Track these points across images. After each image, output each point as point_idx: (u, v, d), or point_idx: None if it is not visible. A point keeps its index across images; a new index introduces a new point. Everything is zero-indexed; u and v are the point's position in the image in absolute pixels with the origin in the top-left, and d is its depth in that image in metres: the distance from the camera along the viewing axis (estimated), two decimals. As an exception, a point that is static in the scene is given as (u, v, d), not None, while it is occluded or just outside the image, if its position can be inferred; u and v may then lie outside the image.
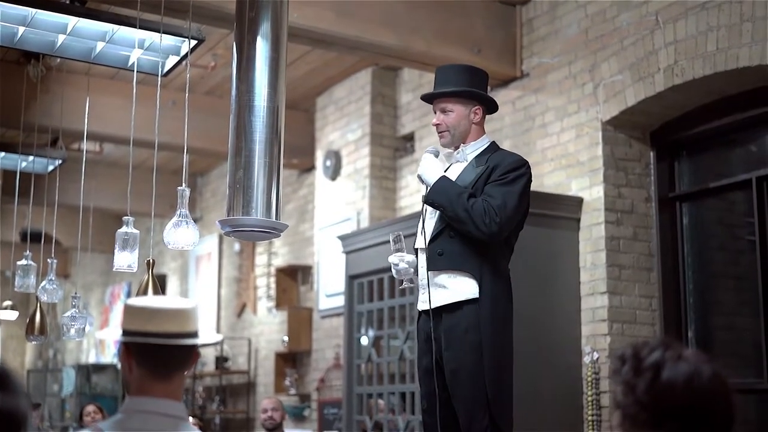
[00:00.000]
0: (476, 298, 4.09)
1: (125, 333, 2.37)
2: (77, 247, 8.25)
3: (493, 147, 4.36)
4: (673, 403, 1.70)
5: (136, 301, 2.42)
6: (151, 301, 2.43)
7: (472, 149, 4.33)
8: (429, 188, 4.19)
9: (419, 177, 4.27)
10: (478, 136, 4.36)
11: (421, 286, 4.25)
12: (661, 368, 1.73)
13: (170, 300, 2.46)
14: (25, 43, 5.41)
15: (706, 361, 1.75)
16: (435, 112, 4.39)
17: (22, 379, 1.37)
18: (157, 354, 2.35)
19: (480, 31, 7.06)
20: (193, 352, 2.42)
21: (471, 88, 4.32)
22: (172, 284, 12.77)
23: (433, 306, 4.15)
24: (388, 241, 4.37)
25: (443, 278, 4.16)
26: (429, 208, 4.29)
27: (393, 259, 4.29)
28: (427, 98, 4.45)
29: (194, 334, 2.40)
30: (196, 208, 11.96)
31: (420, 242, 4.29)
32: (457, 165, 4.36)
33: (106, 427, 2.34)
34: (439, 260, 4.16)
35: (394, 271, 4.32)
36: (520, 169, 4.21)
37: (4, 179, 10.27)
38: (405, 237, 4.37)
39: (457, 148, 4.36)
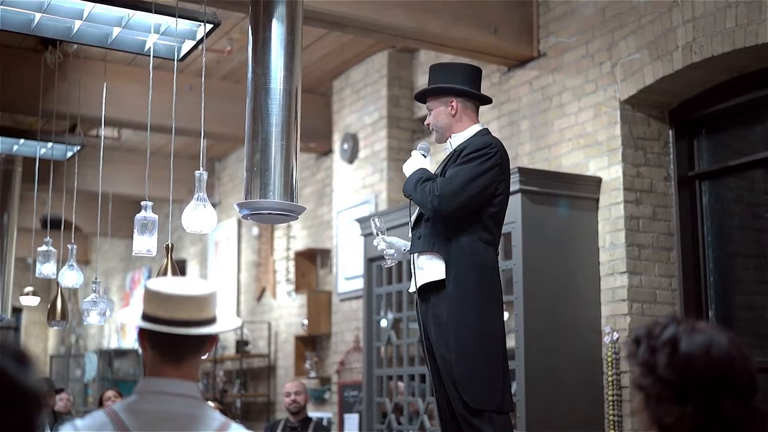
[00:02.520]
0: (441, 279, 4.23)
1: (142, 316, 2.37)
2: (97, 233, 8.28)
3: (479, 134, 4.47)
4: (695, 374, 1.69)
5: (154, 284, 2.40)
6: (168, 285, 2.41)
7: (458, 140, 4.48)
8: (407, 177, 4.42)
9: (404, 171, 4.48)
10: (465, 127, 4.50)
11: (409, 271, 4.46)
12: (678, 342, 1.72)
13: (187, 285, 2.42)
14: (42, 30, 5.42)
15: (720, 331, 1.74)
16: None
17: (29, 378, 1.37)
18: (168, 341, 2.35)
19: (496, 12, 7.03)
20: (207, 338, 2.40)
21: (441, 85, 4.50)
22: (192, 269, 12.82)
23: (417, 287, 4.32)
24: (374, 232, 4.60)
25: (422, 260, 4.34)
26: None
27: (375, 241, 4.57)
28: (419, 101, 4.77)
29: (208, 321, 2.38)
30: (215, 192, 11.99)
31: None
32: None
33: (119, 408, 2.34)
34: (417, 243, 4.36)
35: (389, 258, 4.59)
36: (482, 150, 4.31)
37: (24, 166, 10.31)
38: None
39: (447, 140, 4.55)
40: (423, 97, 4.59)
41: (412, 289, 4.37)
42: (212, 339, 2.44)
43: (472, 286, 4.20)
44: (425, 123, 4.64)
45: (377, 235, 4.52)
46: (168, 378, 2.35)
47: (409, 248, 4.48)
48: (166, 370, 2.35)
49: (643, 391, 1.74)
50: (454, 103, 4.47)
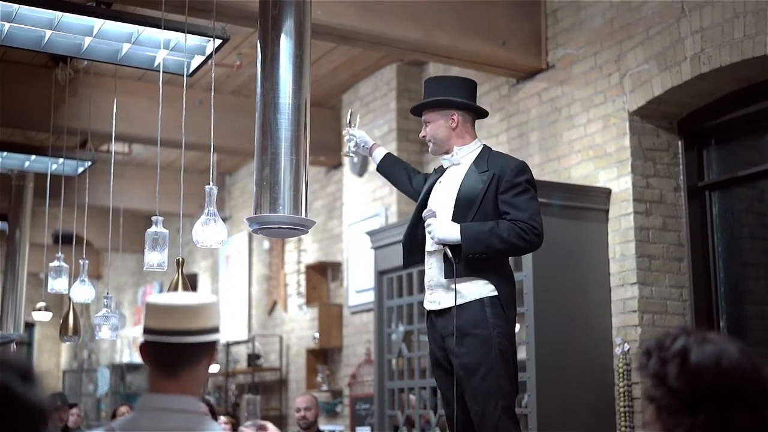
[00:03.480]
0: (482, 298, 4.29)
1: (143, 331, 2.38)
2: (108, 248, 8.30)
3: (487, 150, 4.57)
4: (706, 385, 1.69)
5: (152, 298, 2.42)
6: (163, 297, 2.42)
7: (466, 152, 4.54)
8: (462, 245, 4.28)
9: (440, 240, 4.34)
10: (468, 141, 4.57)
11: (429, 287, 4.47)
12: (688, 353, 1.72)
13: (184, 297, 2.42)
14: (53, 47, 5.46)
15: (730, 341, 1.74)
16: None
17: (35, 394, 1.37)
18: (161, 352, 2.34)
19: (504, 24, 7.04)
20: (203, 349, 2.37)
21: (443, 98, 4.54)
22: (203, 283, 12.84)
23: (444, 306, 4.36)
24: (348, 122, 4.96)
25: (463, 283, 4.32)
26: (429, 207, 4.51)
27: (348, 129, 4.87)
28: (414, 113, 4.76)
29: (201, 331, 2.35)
30: (225, 207, 12.02)
31: (427, 244, 4.48)
32: (453, 168, 4.57)
33: (118, 426, 2.34)
34: (458, 267, 4.30)
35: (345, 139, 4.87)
36: (525, 173, 4.43)
37: (36, 182, 10.36)
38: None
39: (446, 153, 4.57)
40: (419, 109, 4.64)
41: (434, 307, 4.41)
42: (210, 350, 2.41)
43: (513, 306, 4.37)
44: (420, 135, 4.67)
45: (350, 126, 4.89)
46: (167, 394, 2.33)
47: (375, 157, 4.88)
48: (164, 385, 2.34)
49: (654, 402, 1.74)
50: (455, 117, 4.52)
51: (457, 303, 4.28)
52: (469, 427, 4.33)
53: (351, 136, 4.82)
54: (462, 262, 4.27)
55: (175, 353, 2.33)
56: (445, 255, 4.33)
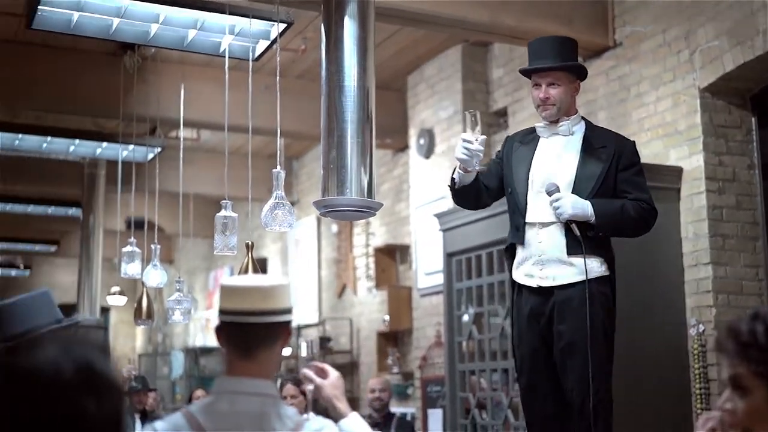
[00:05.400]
0: (600, 276, 4.19)
1: (218, 313, 2.42)
2: (179, 233, 8.40)
3: (589, 122, 4.46)
4: None
5: (226, 280, 2.46)
6: (236, 279, 2.46)
7: (574, 124, 4.37)
8: (595, 222, 4.17)
9: (571, 216, 4.17)
10: (575, 111, 4.42)
11: (540, 262, 4.25)
12: None
13: (256, 278, 2.47)
14: (120, 35, 5.52)
15: None
16: (536, 86, 4.37)
17: (114, 371, 1.42)
18: (236, 332, 2.38)
19: (570, 2, 6.95)
20: (277, 330, 2.41)
21: (576, 62, 4.41)
22: (273, 266, 12.94)
23: (560, 283, 4.19)
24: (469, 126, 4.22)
25: (572, 259, 4.19)
26: (533, 183, 4.30)
27: (467, 136, 4.14)
28: (528, 72, 4.42)
29: (275, 312, 2.39)
30: (293, 191, 12.09)
31: (535, 216, 4.28)
32: (555, 139, 4.36)
33: (196, 410, 2.38)
34: (582, 243, 4.15)
35: (464, 151, 4.14)
36: (637, 153, 4.40)
37: (107, 169, 10.54)
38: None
39: (556, 122, 4.35)
40: (552, 69, 4.30)
41: (544, 284, 4.22)
42: (285, 332, 2.44)
43: (614, 288, 4.29)
44: (541, 96, 4.31)
45: (472, 130, 4.15)
46: (242, 377, 2.37)
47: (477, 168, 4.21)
48: (240, 366, 2.37)
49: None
50: (578, 85, 4.42)
51: (578, 279, 4.15)
52: (561, 416, 4.24)
53: (477, 154, 4.14)
54: (586, 238, 4.14)
55: (251, 333, 2.37)
56: (569, 230, 4.17)
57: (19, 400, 1.32)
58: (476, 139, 4.13)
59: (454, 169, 4.32)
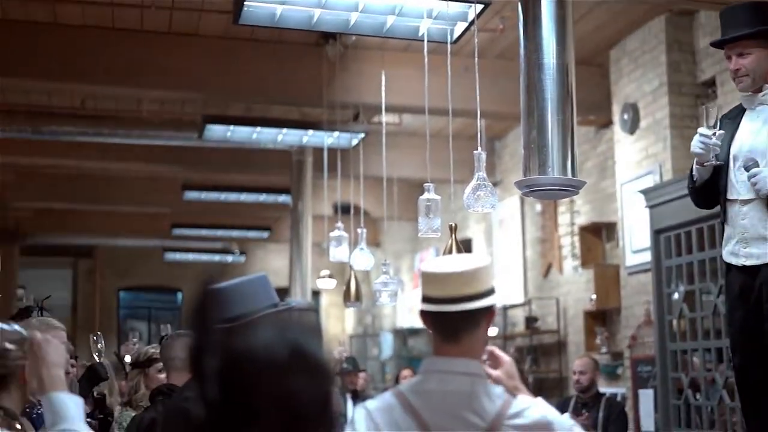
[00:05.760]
0: None
1: (421, 298, 2.45)
2: (384, 216, 8.56)
3: None
4: None
5: (425, 265, 2.48)
6: (436, 265, 2.47)
7: None
8: None
9: None
10: None
11: (743, 240, 4.10)
12: None
13: (455, 262, 2.46)
14: (322, 25, 5.66)
15: None
16: (728, 58, 4.21)
17: (324, 354, 1.48)
18: (441, 319, 2.40)
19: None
20: (480, 313, 2.41)
21: (765, 27, 4.13)
22: (478, 247, 12.98)
23: (761, 262, 4.02)
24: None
25: None
26: (735, 158, 4.13)
27: (705, 131, 4.05)
28: (718, 44, 4.27)
29: (475, 296, 2.39)
30: (496, 171, 12.07)
31: (736, 193, 4.12)
32: (762, 108, 4.17)
33: (406, 390, 2.42)
34: None
35: (700, 145, 4.07)
36: None
37: (314, 156, 10.86)
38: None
39: (757, 91, 4.16)
40: (739, 38, 4.14)
41: (752, 262, 4.06)
42: (488, 314, 2.44)
43: None
44: (732, 68, 4.17)
45: (708, 124, 4.08)
46: (449, 357, 2.39)
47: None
48: (446, 348, 2.40)
49: None
50: None
51: None
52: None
53: (714, 148, 4.07)
54: None
55: (454, 320, 2.39)
56: None
57: (234, 381, 1.39)
58: (714, 134, 4.04)
59: (691, 167, 4.23)
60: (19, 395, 2.74)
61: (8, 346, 2.49)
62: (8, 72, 8.24)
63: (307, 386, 1.41)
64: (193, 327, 1.52)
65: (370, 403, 2.45)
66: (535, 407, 2.38)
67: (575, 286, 10.30)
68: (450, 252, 4.61)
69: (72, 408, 2.33)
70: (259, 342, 1.45)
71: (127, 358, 5.79)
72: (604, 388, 8.45)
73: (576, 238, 10.13)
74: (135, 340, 7.01)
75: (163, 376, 4.34)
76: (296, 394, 1.40)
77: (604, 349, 9.26)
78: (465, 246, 7.41)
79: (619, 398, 8.55)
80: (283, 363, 1.41)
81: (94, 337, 4.89)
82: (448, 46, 5.32)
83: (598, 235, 9.78)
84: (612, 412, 7.14)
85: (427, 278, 2.43)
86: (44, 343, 2.39)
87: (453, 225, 4.67)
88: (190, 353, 1.47)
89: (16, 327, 2.53)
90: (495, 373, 2.44)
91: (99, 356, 5.16)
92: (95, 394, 5.26)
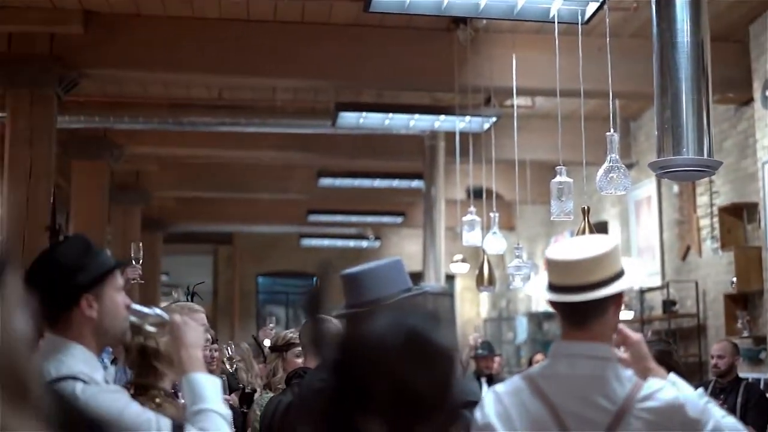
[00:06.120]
0: None
1: (547, 285, 2.44)
2: (516, 200, 8.52)
3: None
4: None
5: (550, 251, 2.45)
6: (560, 251, 2.43)
7: None
8: None
9: None
10: None
11: None
12: None
13: (580, 248, 2.41)
14: (452, 9, 5.67)
15: None
16: None
17: (445, 339, 1.48)
18: (567, 307, 2.38)
19: None
20: (608, 299, 2.37)
21: None
22: (613, 230, 12.78)
23: None
24: None
25: None
26: None
27: None
28: None
29: (601, 283, 2.34)
30: (631, 152, 11.85)
31: None
32: None
33: (535, 373, 2.42)
34: None
35: None
36: None
37: (446, 141, 10.89)
38: None
39: None
40: None
41: None
42: (616, 299, 2.41)
43: None
44: None
45: None
46: (577, 341, 2.38)
47: None
48: (574, 333, 2.40)
49: None
50: None
51: None
52: None
53: None
54: None
55: (582, 308, 2.37)
56: None
57: (349, 366, 1.41)
58: None
59: None
60: (170, 378, 2.86)
61: (150, 328, 2.60)
62: (150, 66, 8.54)
63: (422, 373, 1.41)
64: (309, 314, 1.55)
65: (499, 387, 2.46)
66: (667, 389, 2.34)
67: (715, 269, 10.05)
68: (582, 234, 4.57)
69: (210, 388, 2.42)
70: (375, 328, 1.45)
71: (266, 342, 5.95)
72: (746, 374, 8.22)
73: (715, 220, 9.87)
74: (272, 324, 7.19)
75: (300, 360, 4.44)
76: (411, 381, 1.39)
77: (745, 333, 9.01)
78: (600, 229, 7.35)
79: (762, 385, 8.32)
80: (397, 349, 1.41)
81: (228, 348, 5.05)
82: (579, 26, 5.26)
83: (739, 215, 9.51)
84: (751, 397, 6.94)
85: (552, 266, 2.41)
86: (183, 326, 2.48)
87: (586, 208, 4.64)
88: (311, 339, 1.49)
89: (157, 311, 2.64)
90: (623, 355, 2.42)
91: (231, 365, 5.35)
92: (246, 388, 5.46)
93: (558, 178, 4.98)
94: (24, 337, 0.98)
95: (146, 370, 2.90)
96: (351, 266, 3.39)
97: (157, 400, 2.83)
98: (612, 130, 4.45)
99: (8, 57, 7.96)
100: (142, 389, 2.87)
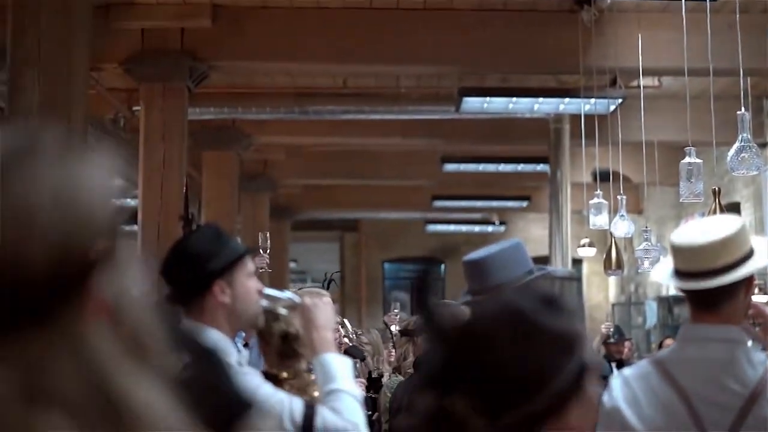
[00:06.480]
0: None
1: (673, 270, 2.39)
2: (644, 182, 8.38)
3: None
4: None
5: (674, 236, 2.39)
6: (685, 236, 2.37)
7: None
8: None
9: None
10: None
11: None
12: None
13: (705, 232, 2.35)
14: (575, -9, 5.61)
15: None
16: None
17: (555, 322, 1.42)
18: (695, 292, 2.34)
19: None
20: (738, 282, 2.32)
21: None
22: (746, 211, 12.44)
23: None
24: None
25: None
26: None
27: None
28: None
29: (729, 267, 2.28)
30: (764, 131, 11.49)
31: None
32: None
33: (663, 357, 2.40)
34: None
35: None
36: None
37: (571, 123, 10.76)
38: None
39: None
40: None
41: None
42: (747, 280, 2.35)
43: None
44: None
45: None
46: (707, 324, 2.34)
47: None
48: (703, 316, 2.36)
49: None
50: None
51: None
52: None
53: None
54: None
55: (710, 292, 2.33)
56: None
57: (452, 350, 1.39)
58: None
59: None
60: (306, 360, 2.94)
61: (281, 311, 2.68)
62: (275, 57, 8.69)
63: (522, 356, 1.36)
64: (418, 302, 1.55)
65: (627, 371, 2.45)
66: None
67: None
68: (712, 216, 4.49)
69: (341, 368, 2.48)
70: (482, 311, 1.44)
71: (393, 327, 6.02)
72: None
73: None
74: (396, 310, 7.25)
75: (430, 344, 4.48)
76: (510, 363, 1.35)
77: None
78: (732, 209, 7.15)
79: None
80: (498, 330, 1.37)
81: (353, 331, 5.15)
82: (707, 3, 5.15)
83: None
84: None
85: (677, 251, 2.36)
86: (313, 308, 2.55)
87: (716, 189, 4.55)
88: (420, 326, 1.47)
89: (289, 294, 2.71)
90: (757, 331, 2.37)
91: (350, 339, 5.44)
92: (372, 373, 5.55)
93: (687, 159, 4.89)
94: (149, 303, 1.01)
95: (289, 355, 2.97)
96: (476, 251, 3.40)
97: (299, 383, 2.89)
98: (743, 108, 4.35)
99: (141, 53, 8.22)
100: (284, 375, 2.93)
